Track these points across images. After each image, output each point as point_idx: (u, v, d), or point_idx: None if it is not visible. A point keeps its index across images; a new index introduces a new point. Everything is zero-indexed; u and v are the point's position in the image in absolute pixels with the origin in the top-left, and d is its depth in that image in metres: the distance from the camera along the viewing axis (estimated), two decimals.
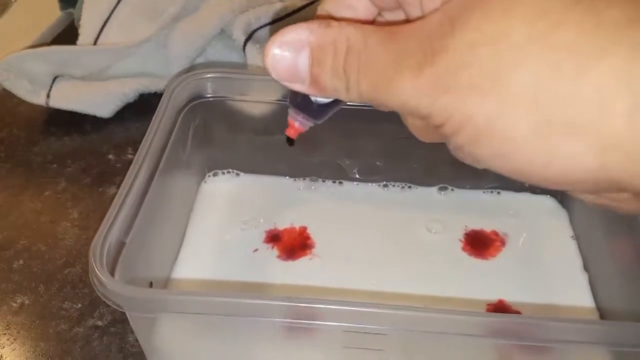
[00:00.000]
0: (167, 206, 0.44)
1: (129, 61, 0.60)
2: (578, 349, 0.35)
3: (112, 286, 0.32)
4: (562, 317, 0.42)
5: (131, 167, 0.39)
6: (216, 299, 0.33)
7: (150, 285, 0.40)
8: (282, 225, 0.48)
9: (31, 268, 0.46)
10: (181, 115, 0.46)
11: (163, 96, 0.45)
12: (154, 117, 0.43)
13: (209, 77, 0.46)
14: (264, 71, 0.57)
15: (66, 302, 0.43)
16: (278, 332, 0.36)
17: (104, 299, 0.32)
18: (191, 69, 0.61)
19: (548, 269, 0.46)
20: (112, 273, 0.34)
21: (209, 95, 0.47)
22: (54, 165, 0.54)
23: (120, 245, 0.36)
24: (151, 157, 0.41)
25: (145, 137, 0.42)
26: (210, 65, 0.61)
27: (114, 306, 0.32)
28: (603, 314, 0.43)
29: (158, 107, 0.44)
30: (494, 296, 0.44)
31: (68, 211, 0.50)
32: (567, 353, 0.36)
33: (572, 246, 0.48)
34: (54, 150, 0.55)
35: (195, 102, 0.47)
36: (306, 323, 0.33)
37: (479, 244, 0.48)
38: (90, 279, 0.33)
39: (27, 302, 0.43)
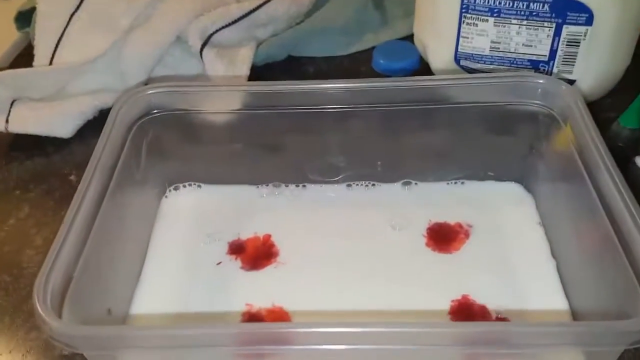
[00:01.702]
0: (122, 228, 0.44)
1: (86, 78, 0.59)
2: (548, 351, 0.34)
3: (58, 328, 0.32)
4: (526, 322, 0.41)
5: (76, 193, 0.39)
6: (165, 332, 0.33)
7: (109, 312, 0.40)
8: (245, 235, 0.48)
9: None
10: (131, 133, 0.45)
11: (108, 116, 0.44)
12: (99, 139, 0.43)
13: (155, 93, 0.46)
14: (220, 78, 0.58)
15: (33, 333, 0.43)
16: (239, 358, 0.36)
17: (52, 342, 0.32)
18: (150, 81, 0.60)
19: (515, 258, 0.46)
20: (60, 311, 0.34)
21: (157, 111, 0.47)
22: (17, 192, 0.54)
23: (68, 279, 0.36)
24: (98, 180, 0.41)
25: (90, 160, 0.41)
26: (163, 79, 0.60)
27: (64, 347, 0.32)
28: (571, 301, 0.42)
29: (104, 128, 0.44)
30: (458, 292, 0.43)
31: (32, 238, 0.50)
32: (536, 356, 0.36)
33: (539, 233, 0.47)
34: (17, 175, 0.55)
35: (144, 119, 0.47)
36: (260, 348, 0.33)
37: (443, 238, 0.47)
38: (37, 321, 0.32)
39: None
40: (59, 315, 0.34)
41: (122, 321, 0.42)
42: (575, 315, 0.42)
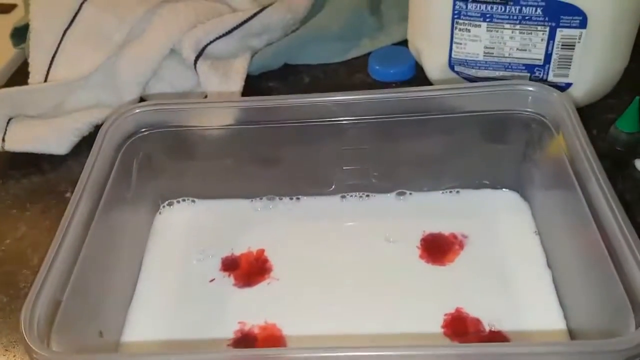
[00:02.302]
0: (113, 247, 0.44)
1: (81, 94, 0.59)
2: None
3: (43, 357, 0.32)
4: (518, 342, 0.40)
5: (64, 216, 0.39)
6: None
7: (100, 334, 0.40)
8: (239, 250, 0.48)
9: None
10: (120, 152, 0.45)
11: (97, 137, 0.44)
12: (88, 159, 0.43)
13: (143, 111, 0.46)
14: (212, 94, 0.58)
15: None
16: None
17: None
18: (146, 95, 0.60)
19: (510, 268, 0.45)
20: (48, 337, 0.34)
21: (146, 129, 0.47)
22: (14, 211, 0.54)
23: (57, 304, 0.36)
24: (87, 201, 0.41)
25: (79, 181, 0.42)
26: (154, 97, 0.60)
27: None
28: (567, 314, 0.42)
29: (92, 149, 0.44)
30: (452, 304, 0.43)
31: (29, 258, 0.50)
32: None
33: (535, 242, 0.47)
34: (13, 194, 0.55)
35: (134, 137, 0.47)
36: None
37: (437, 249, 0.47)
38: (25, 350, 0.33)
39: None
40: (47, 342, 0.34)
41: (114, 344, 0.42)
42: (570, 329, 0.41)
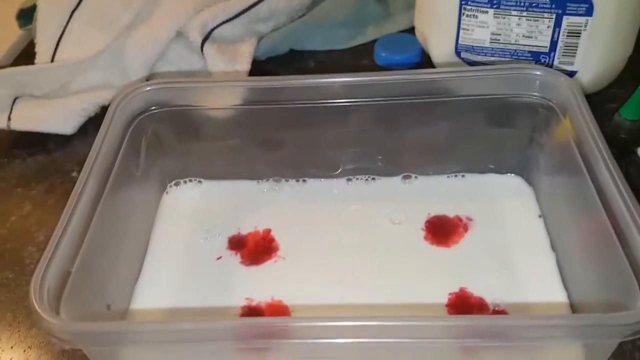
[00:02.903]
0: (122, 224, 0.44)
1: (88, 75, 0.59)
2: (544, 344, 0.34)
3: (55, 325, 0.32)
4: (523, 315, 0.41)
5: (73, 190, 0.39)
6: (164, 327, 0.33)
7: (108, 308, 0.40)
8: (245, 229, 0.48)
9: None
10: (129, 130, 0.46)
11: (106, 114, 0.44)
12: (97, 136, 0.43)
13: (153, 89, 0.46)
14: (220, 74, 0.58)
15: (34, 329, 0.44)
16: (240, 352, 0.36)
17: (50, 338, 0.32)
18: (152, 77, 0.60)
19: (514, 251, 0.45)
20: (57, 307, 0.34)
21: (155, 107, 0.47)
22: (19, 189, 0.54)
23: (66, 275, 0.36)
24: (96, 177, 0.41)
25: (88, 157, 0.42)
26: (163, 75, 0.60)
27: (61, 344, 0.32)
28: (570, 294, 0.42)
29: (101, 126, 0.44)
30: (456, 284, 0.43)
31: (34, 235, 0.50)
32: (533, 348, 0.36)
33: (539, 226, 0.47)
34: (18, 173, 0.55)
35: (143, 115, 0.47)
36: (263, 342, 0.33)
37: (441, 231, 0.47)
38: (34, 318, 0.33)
39: None
40: (57, 312, 0.34)
41: (121, 317, 0.42)
42: (574, 308, 0.42)
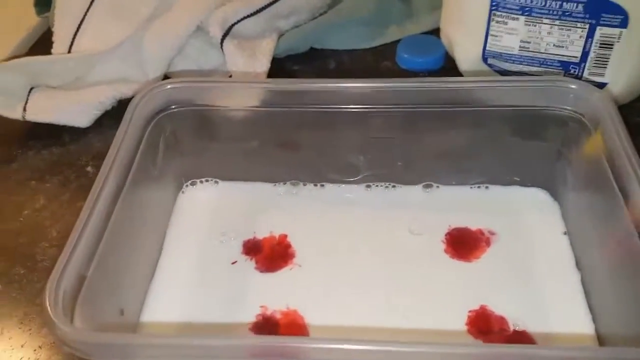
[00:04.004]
0: (138, 225, 0.43)
1: (105, 67, 0.58)
2: None
3: (70, 334, 0.31)
4: (547, 346, 0.39)
5: (92, 190, 0.38)
6: (178, 342, 0.32)
7: (121, 313, 0.39)
8: (261, 234, 0.47)
9: (10, 293, 0.45)
10: (149, 128, 0.45)
11: (126, 111, 0.43)
12: (117, 134, 0.42)
13: (174, 88, 0.45)
14: (240, 74, 0.57)
15: (45, 328, 0.43)
16: None
17: (64, 347, 0.32)
18: (169, 72, 0.59)
19: (538, 268, 0.44)
20: (72, 313, 0.33)
21: (175, 106, 0.46)
22: (33, 182, 0.53)
23: (81, 279, 0.35)
24: (115, 176, 0.40)
25: (107, 155, 0.41)
26: (181, 74, 0.59)
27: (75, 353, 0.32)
28: (595, 317, 0.41)
29: (121, 123, 0.43)
30: (476, 301, 0.42)
31: (47, 230, 0.49)
32: None
33: (564, 243, 0.46)
34: (33, 165, 0.54)
35: (163, 114, 0.46)
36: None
37: (462, 244, 0.46)
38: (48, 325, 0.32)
39: (5, 328, 0.43)
40: (71, 318, 0.33)
41: (134, 323, 0.41)
42: (598, 333, 0.40)
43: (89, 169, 0.54)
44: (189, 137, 0.48)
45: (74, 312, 0.34)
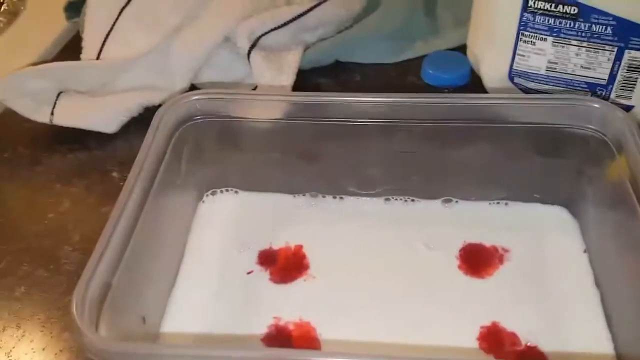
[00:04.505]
0: (160, 233, 0.44)
1: (132, 74, 0.59)
2: None
3: (96, 343, 0.32)
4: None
5: (118, 199, 0.39)
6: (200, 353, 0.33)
7: (144, 321, 0.40)
8: (277, 244, 0.48)
9: (32, 296, 0.46)
10: (174, 138, 0.45)
11: (152, 122, 0.44)
12: (143, 143, 0.43)
13: (199, 99, 0.46)
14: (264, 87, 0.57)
15: (66, 332, 0.43)
16: None
17: (88, 355, 0.32)
18: (196, 82, 0.60)
19: (554, 285, 0.44)
20: (97, 321, 0.33)
21: (200, 117, 0.46)
22: (58, 185, 0.54)
23: (107, 287, 0.35)
24: (141, 185, 0.40)
25: (134, 165, 0.41)
26: (207, 85, 0.60)
27: None
28: (616, 337, 0.41)
29: (147, 132, 0.44)
30: (488, 318, 0.42)
31: (70, 234, 0.50)
32: None
33: (583, 261, 0.46)
34: (58, 168, 0.55)
35: (187, 124, 0.46)
36: None
37: (476, 261, 0.46)
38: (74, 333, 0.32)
39: (27, 331, 0.44)
40: (96, 326, 0.33)
41: (155, 331, 0.41)
42: (617, 352, 0.40)
43: (114, 174, 0.54)
44: (212, 147, 0.49)
45: (99, 320, 0.34)
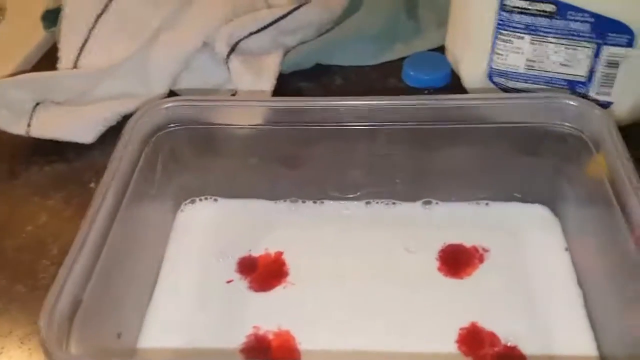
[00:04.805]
0: (135, 245, 0.43)
1: (110, 83, 0.58)
2: None
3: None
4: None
5: (89, 211, 0.38)
6: None
7: (119, 336, 0.39)
8: (256, 252, 0.47)
9: (10, 312, 0.45)
10: (147, 147, 0.45)
11: (123, 131, 0.44)
12: (114, 154, 0.42)
13: (172, 106, 0.45)
14: (246, 91, 0.57)
15: None
16: None
17: None
18: (175, 87, 0.60)
19: (536, 285, 0.44)
20: (68, 338, 0.33)
21: (174, 125, 0.46)
22: (36, 198, 0.53)
23: (78, 303, 0.35)
24: (112, 196, 0.40)
25: (104, 177, 0.41)
26: (182, 92, 0.59)
27: None
28: (599, 336, 0.40)
29: (119, 142, 0.43)
30: (467, 319, 0.42)
31: (49, 247, 0.49)
32: None
33: (565, 259, 0.45)
34: (36, 181, 0.55)
35: (161, 132, 0.46)
36: None
37: (455, 262, 0.46)
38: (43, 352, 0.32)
39: (5, 348, 0.43)
40: (67, 343, 0.33)
41: (132, 346, 0.41)
42: (600, 352, 0.40)
43: (92, 185, 0.54)
44: (189, 155, 0.48)
45: (70, 336, 0.33)
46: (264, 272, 0.46)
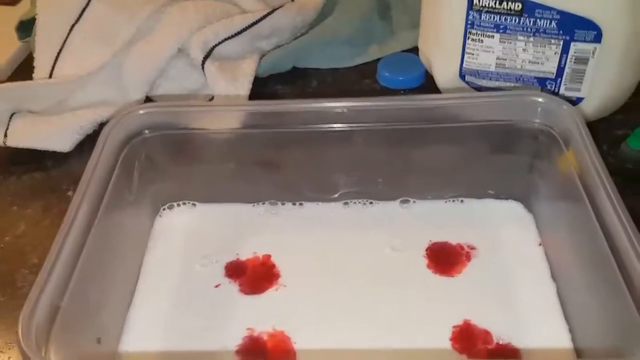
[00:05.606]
0: (113, 252, 0.43)
1: (86, 91, 0.59)
2: None
3: None
4: None
5: (64, 219, 0.38)
6: None
7: (98, 341, 0.39)
8: (244, 255, 0.47)
9: None
10: (122, 154, 0.45)
11: (98, 139, 0.44)
12: (89, 161, 0.42)
13: (146, 113, 0.46)
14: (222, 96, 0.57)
15: None
16: None
17: None
18: (151, 95, 0.60)
19: (515, 281, 0.45)
20: (46, 345, 0.33)
21: (149, 131, 0.46)
22: (14, 208, 0.53)
23: (56, 310, 0.35)
24: (88, 204, 0.40)
25: (79, 185, 0.41)
26: (161, 97, 0.60)
27: None
28: (573, 327, 0.41)
29: (94, 150, 0.43)
30: (460, 316, 0.42)
31: (28, 256, 0.49)
32: None
33: (539, 254, 0.46)
34: (14, 191, 0.54)
35: (136, 139, 0.46)
36: None
37: (445, 260, 0.46)
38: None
39: None
40: (45, 350, 0.33)
41: (112, 352, 0.41)
42: (576, 345, 0.41)
43: (70, 193, 0.54)
44: (165, 161, 0.48)
45: (48, 343, 0.33)
46: (252, 275, 0.46)
